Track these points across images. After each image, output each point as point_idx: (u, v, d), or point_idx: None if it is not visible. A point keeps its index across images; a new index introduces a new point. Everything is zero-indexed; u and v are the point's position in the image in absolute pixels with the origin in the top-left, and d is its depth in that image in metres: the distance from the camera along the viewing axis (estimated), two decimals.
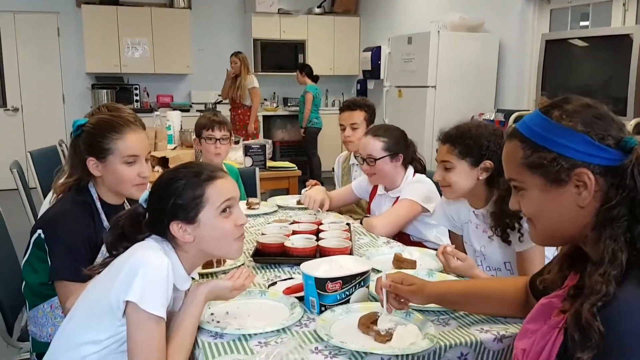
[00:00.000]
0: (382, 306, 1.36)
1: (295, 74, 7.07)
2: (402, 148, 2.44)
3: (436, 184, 2.16)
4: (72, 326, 1.32)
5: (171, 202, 1.31)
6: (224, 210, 1.34)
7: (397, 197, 2.42)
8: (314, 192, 2.58)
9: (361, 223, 2.41)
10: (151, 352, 1.21)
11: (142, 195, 1.40)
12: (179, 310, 1.35)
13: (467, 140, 1.82)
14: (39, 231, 1.66)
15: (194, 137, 3.07)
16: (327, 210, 2.62)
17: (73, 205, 1.68)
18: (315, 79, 6.96)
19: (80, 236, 1.62)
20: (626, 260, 0.90)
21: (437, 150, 2.01)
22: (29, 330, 1.77)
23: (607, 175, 0.94)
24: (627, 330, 0.86)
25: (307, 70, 6.92)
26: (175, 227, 1.31)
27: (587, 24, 4.82)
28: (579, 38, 4.41)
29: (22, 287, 1.79)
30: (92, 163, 1.69)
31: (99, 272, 1.36)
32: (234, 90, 6.25)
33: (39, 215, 2.25)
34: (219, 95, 6.91)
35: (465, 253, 1.89)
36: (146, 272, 1.22)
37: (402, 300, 1.37)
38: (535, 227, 1.06)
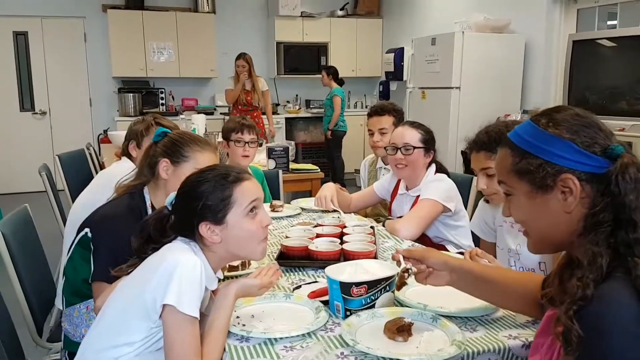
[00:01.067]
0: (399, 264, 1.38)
1: (318, 76, 7.06)
2: (433, 146, 2.46)
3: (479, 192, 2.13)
4: (104, 328, 1.34)
5: (200, 204, 1.33)
6: (250, 211, 1.36)
7: (417, 196, 2.41)
8: (322, 191, 2.59)
9: (384, 225, 2.40)
10: (187, 352, 1.23)
11: (168, 198, 1.41)
12: (207, 310, 1.36)
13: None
14: (87, 230, 1.70)
15: (218, 139, 3.10)
16: (350, 212, 2.62)
17: (125, 210, 1.71)
18: (341, 82, 6.94)
19: (125, 241, 1.64)
20: (608, 265, 0.90)
21: (469, 159, 1.97)
22: (62, 328, 1.79)
23: (594, 182, 0.96)
24: (604, 330, 0.85)
25: (332, 72, 6.89)
26: (204, 228, 1.33)
27: (615, 24, 4.73)
28: (607, 38, 4.33)
29: (62, 284, 1.82)
30: (164, 165, 1.77)
31: (127, 274, 1.38)
32: (251, 93, 6.15)
33: (73, 207, 2.30)
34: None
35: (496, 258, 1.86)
36: (182, 273, 1.24)
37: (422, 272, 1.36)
38: (527, 233, 1.08)
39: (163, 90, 7.56)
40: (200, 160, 1.77)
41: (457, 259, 1.42)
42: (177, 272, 1.24)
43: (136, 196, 1.77)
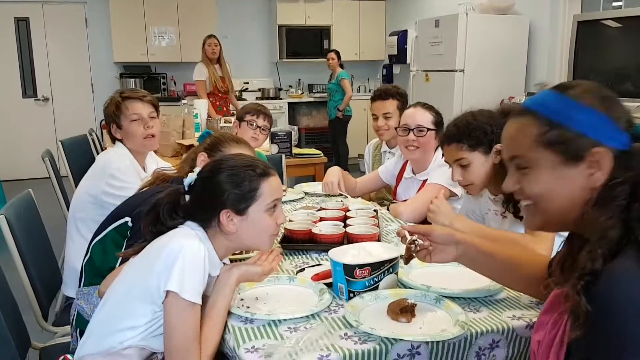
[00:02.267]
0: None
1: (321, 60, 7.03)
2: (442, 128, 2.44)
3: None
4: (109, 312, 1.34)
5: (228, 192, 1.33)
6: (272, 207, 1.37)
7: (424, 180, 2.40)
8: (328, 176, 2.58)
9: (388, 209, 2.40)
10: (187, 335, 1.23)
11: (187, 179, 1.39)
12: (209, 294, 1.36)
13: (471, 132, 1.80)
14: (128, 219, 1.71)
15: (221, 124, 3.11)
16: (355, 197, 2.61)
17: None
18: (341, 65, 6.94)
19: None
20: (619, 241, 0.88)
21: (442, 155, 1.97)
22: (76, 306, 1.79)
23: (617, 159, 0.93)
24: (614, 308, 0.83)
25: (339, 55, 6.89)
26: (225, 216, 1.33)
27: (620, 4, 4.67)
28: (612, 19, 4.28)
29: (84, 262, 1.83)
30: (201, 158, 1.83)
31: (133, 256, 1.38)
32: (225, 79, 5.78)
33: (76, 192, 2.29)
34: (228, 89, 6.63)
35: None
36: (185, 259, 1.24)
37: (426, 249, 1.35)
38: (535, 210, 1.03)
39: (165, 75, 7.54)
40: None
41: (462, 233, 1.41)
42: (180, 257, 1.24)
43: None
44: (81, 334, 1.73)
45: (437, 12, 5.93)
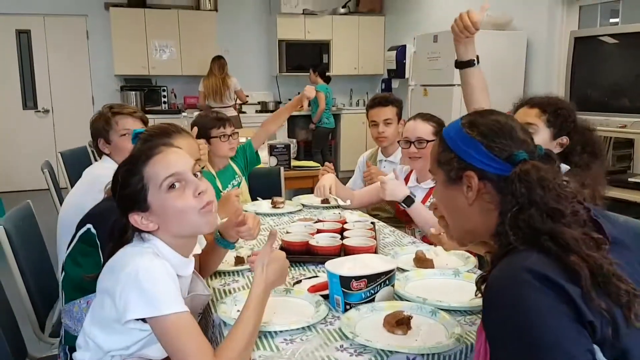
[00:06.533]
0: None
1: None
2: None
3: None
4: (97, 333, 1.28)
5: (118, 195, 1.27)
6: (170, 187, 1.25)
7: (430, 188, 2.42)
8: (321, 181, 2.60)
9: (384, 221, 2.39)
10: (194, 349, 1.15)
11: None
12: (186, 295, 1.33)
13: (559, 110, 1.79)
14: (89, 226, 1.68)
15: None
16: (353, 209, 2.62)
17: None
18: (327, 79, 7.17)
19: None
20: (510, 241, 0.99)
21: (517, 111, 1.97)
22: (62, 323, 1.80)
23: (500, 182, 1.04)
24: (489, 297, 0.95)
25: (320, 70, 7.16)
26: (137, 219, 1.26)
27: (617, 22, 4.72)
28: (609, 35, 4.32)
29: (62, 280, 1.81)
30: None
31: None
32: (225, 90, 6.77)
33: (63, 206, 2.29)
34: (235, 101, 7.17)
35: None
36: (144, 281, 1.16)
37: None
38: (443, 222, 1.20)
39: (165, 88, 7.57)
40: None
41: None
42: (138, 281, 1.15)
43: None
44: (70, 350, 1.73)
45: (436, 28, 5.97)
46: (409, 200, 2.28)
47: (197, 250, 1.47)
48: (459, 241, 1.19)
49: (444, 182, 1.14)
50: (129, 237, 1.30)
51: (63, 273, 1.79)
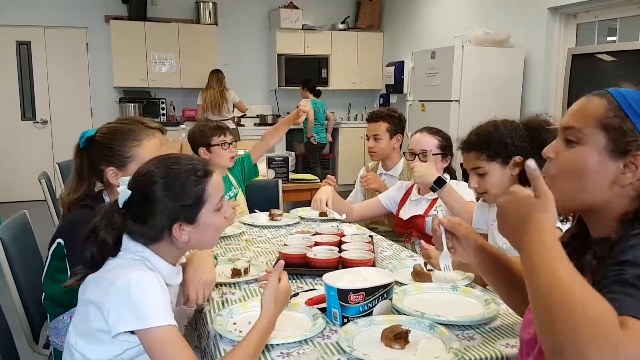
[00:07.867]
0: (441, 246, 1.34)
1: (319, 88, 7.25)
2: (451, 151, 2.55)
3: None
4: (82, 343, 1.26)
5: (176, 204, 1.25)
6: (220, 206, 1.32)
7: (435, 199, 2.42)
8: (318, 194, 2.60)
9: (382, 234, 2.38)
10: (179, 357, 1.16)
11: (122, 196, 1.27)
12: (177, 304, 1.34)
13: (491, 143, 1.83)
14: (58, 240, 1.66)
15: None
16: (351, 222, 2.62)
17: (89, 211, 1.60)
18: (317, 93, 7.26)
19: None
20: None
21: (461, 162, 2.02)
22: (50, 341, 1.78)
23: None
24: None
25: (309, 85, 7.22)
26: (177, 230, 1.26)
27: (615, 40, 4.76)
28: (607, 52, 4.36)
29: (43, 299, 1.79)
30: (111, 173, 1.68)
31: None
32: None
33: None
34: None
35: None
36: (136, 294, 1.16)
37: (451, 244, 1.34)
38: (552, 184, 1.01)
39: (164, 100, 7.59)
40: (144, 154, 1.63)
41: (485, 243, 1.36)
42: (129, 293, 1.15)
43: (96, 201, 1.67)
44: None
45: (434, 44, 6.02)
46: (440, 182, 2.26)
47: (182, 259, 1.47)
48: (564, 208, 1.05)
49: (601, 149, 0.99)
50: (111, 250, 1.27)
51: (43, 293, 1.77)
